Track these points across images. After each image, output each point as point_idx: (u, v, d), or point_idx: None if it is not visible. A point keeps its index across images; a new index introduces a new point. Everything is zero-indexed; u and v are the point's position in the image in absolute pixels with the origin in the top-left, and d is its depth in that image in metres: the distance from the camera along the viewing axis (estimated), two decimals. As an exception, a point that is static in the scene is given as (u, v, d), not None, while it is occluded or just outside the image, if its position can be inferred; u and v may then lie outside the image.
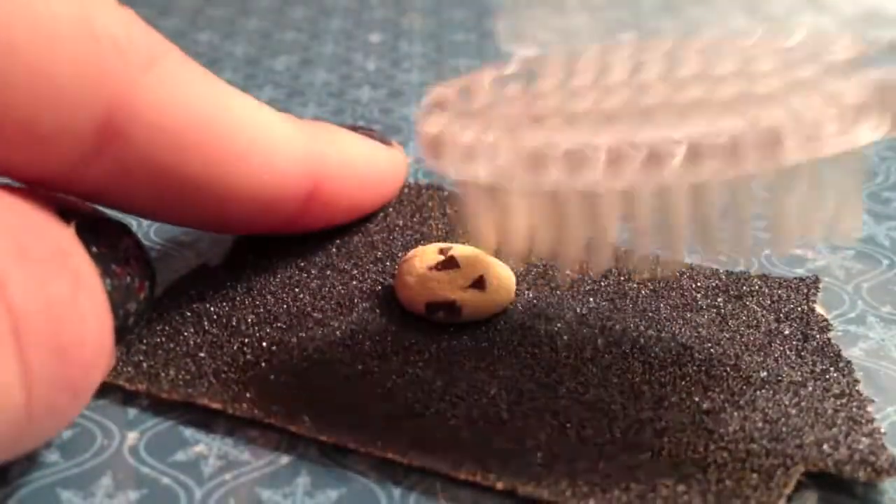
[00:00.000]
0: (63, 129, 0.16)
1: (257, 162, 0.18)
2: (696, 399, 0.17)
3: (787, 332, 0.19)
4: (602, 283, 0.20)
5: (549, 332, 0.19)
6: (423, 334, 0.19)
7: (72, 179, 0.17)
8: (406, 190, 0.24)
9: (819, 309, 0.20)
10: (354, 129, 0.22)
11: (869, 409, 0.17)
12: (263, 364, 0.18)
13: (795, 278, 0.21)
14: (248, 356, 0.18)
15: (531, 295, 0.20)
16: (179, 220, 0.20)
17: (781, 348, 0.18)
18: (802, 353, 0.18)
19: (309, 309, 0.19)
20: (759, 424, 0.16)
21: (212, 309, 0.19)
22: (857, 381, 0.17)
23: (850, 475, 0.15)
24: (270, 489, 0.15)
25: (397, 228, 0.22)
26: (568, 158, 0.14)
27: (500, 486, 0.15)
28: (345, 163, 0.21)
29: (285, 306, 0.19)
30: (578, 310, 0.19)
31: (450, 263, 0.19)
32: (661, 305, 0.20)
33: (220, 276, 0.21)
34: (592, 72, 0.16)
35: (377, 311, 0.19)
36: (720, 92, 0.15)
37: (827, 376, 0.17)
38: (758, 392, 0.17)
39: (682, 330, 0.19)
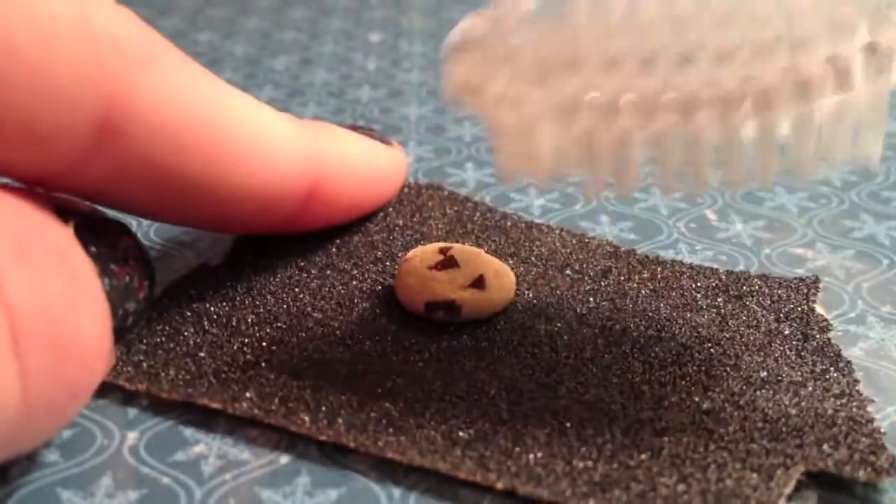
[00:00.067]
0: (62, 129, 0.16)
1: (257, 161, 0.18)
2: (696, 399, 0.17)
3: (787, 332, 0.19)
4: (602, 284, 0.20)
5: (549, 331, 0.19)
6: (423, 334, 0.19)
7: (71, 178, 0.17)
8: (406, 190, 0.24)
9: (819, 309, 0.20)
10: (354, 128, 0.22)
11: (869, 409, 0.17)
12: (263, 364, 0.18)
13: (795, 278, 0.21)
14: (248, 356, 0.18)
15: (531, 295, 0.20)
16: (179, 220, 0.20)
17: (781, 348, 0.18)
18: (802, 353, 0.18)
19: (309, 309, 0.19)
20: (759, 424, 0.16)
21: (212, 309, 0.19)
22: (857, 381, 0.17)
23: (850, 475, 0.15)
24: (270, 489, 0.15)
25: (397, 228, 0.22)
26: (603, 107, 0.14)
27: (500, 486, 0.15)
28: (345, 162, 0.21)
29: (285, 306, 0.19)
30: (578, 310, 0.19)
31: (449, 263, 0.19)
32: (661, 305, 0.20)
33: (220, 275, 0.21)
34: (624, 7, 0.16)
35: (377, 310, 0.19)
36: (758, 33, 0.15)
37: (827, 376, 0.17)
38: (758, 392, 0.17)
39: (682, 330, 0.19)
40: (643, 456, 0.16)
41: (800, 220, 0.24)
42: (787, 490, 0.15)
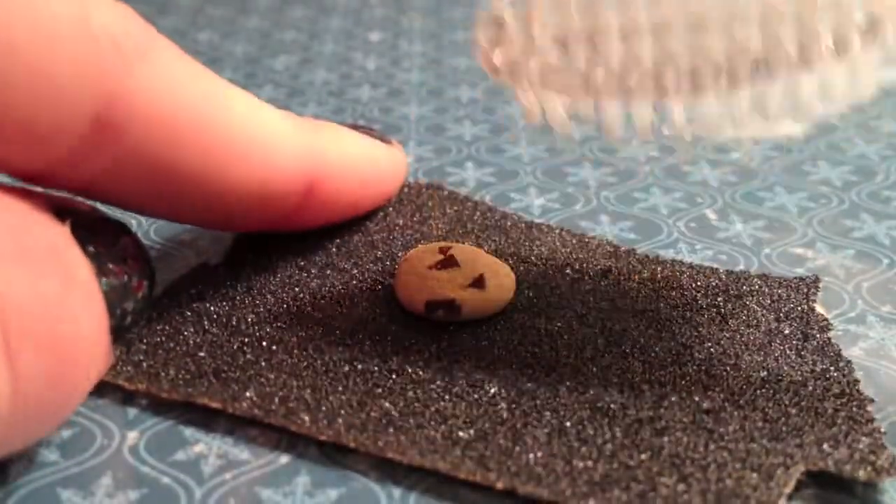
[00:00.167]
0: (61, 127, 0.16)
1: (255, 158, 0.18)
2: (697, 398, 0.17)
3: (787, 332, 0.19)
4: (602, 283, 0.20)
5: (549, 331, 0.19)
6: (423, 333, 0.19)
7: (70, 175, 0.17)
8: (406, 189, 0.24)
9: (819, 308, 0.20)
10: (354, 127, 0.22)
11: (869, 408, 0.17)
12: (263, 363, 0.18)
13: (795, 278, 0.21)
14: (248, 355, 0.18)
15: (531, 294, 0.20)
16: (178, 217, 0.20)
17: (781, 348, 0.18)
18: (802, 353, 0.18)
19: (309, 308, 0.19)
20: (759, 424, 0.16)
21: (212, 308, 0.19)
22: (857, 380, 0.17)
23: (851, 475, 0.15)
24: (270, 488, 0.15)
25: (397, 228, 0.22)
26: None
27: (499, 485, 0.15)
28: (344, 160, 0.21)
29: (285, 306, 0.19)
30: (578, 309, 0.19)
31: (449, 262, 0.19)
32: (661, 305, 0.20)
33: (220, 275, 0.20)
34: None
35: (377, 310, 0.19)
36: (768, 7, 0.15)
37: (827, 376, 0.17)
38: (758, 391, 0.17)
39: (682, 329, 0.19)
40: (643, 456, 0.16)
41: (800, 219, 0.24)
42: (787, 490, 0.15)
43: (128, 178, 0.17)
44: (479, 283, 0.19)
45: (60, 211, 0.15)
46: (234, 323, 0.19)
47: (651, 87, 0.15)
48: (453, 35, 0.39)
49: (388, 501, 0.15)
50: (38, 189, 0.16)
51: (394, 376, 0.17)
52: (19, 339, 0.13)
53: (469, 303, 0.19)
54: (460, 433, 0.16)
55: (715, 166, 0.27)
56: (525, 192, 0.26)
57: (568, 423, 0.16)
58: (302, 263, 0.21)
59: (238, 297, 0.20)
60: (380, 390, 0.17)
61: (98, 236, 0.16)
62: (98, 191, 0.17)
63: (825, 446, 0.16)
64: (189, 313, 0.19)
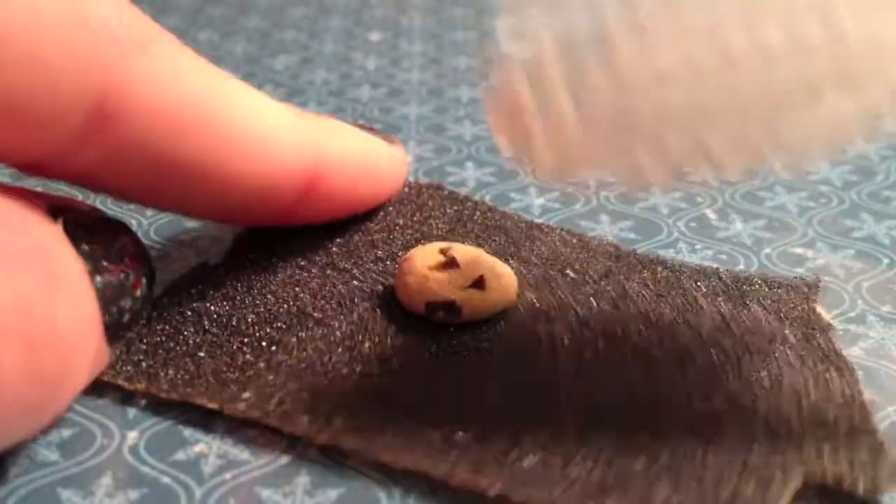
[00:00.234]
0: (56, 116, 0.16)
1: (256, 151, 0.18)
2: (696, 404, 0.17)
3: (788, 334, 0.19)
4: (603, 284, 0.20)
5: (550, 333, 0.19)
6: (423, 334, 0.19)
7: (67, 164, 0.17)
8: (407, 189, 0.24)
9: (820, 309, 0.20)
10: (355, 126, 0.22)
11: (871, 417, 0.16)
12: (262, 364, 0.18)
13: (796, 278, 0.21)
14: (248, 356, 0.18)
15: (532, 296, 0.20)
16: (177, 208, 0.20)
17: (783, 351, 0.18)
18: (804, 356, 0.18)
19: (309, 308, 0.19)
20: (759, 431, 0.16)
21: (212, 308, 0.19)
22: (860, 388, 0.17)
23: (850, 488, 0.15)
24: (270, 488, 0.15)
25: (398, 228, 0.22)
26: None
27: (492, 492, 0.15)
28: (345, 155, 0.20)
29: (286, 306, 0.19)
30: (579, 311, 0.19)
31: (450, 263, 0.19)
32: (663, 307, 0.19)
33: (221, 274, 0.20)
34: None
35: (377, 311, 0.19)
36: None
37: (829, 381, 0.17)
38: (758, 397, 0.17)
39: (684, 332, 0.19)
40: (640, 462, 0.15)
41: (800, 219, 0.24)
42: (784, 502, 0.15)
43: (127, 169, 0.17)
44: (479, 284, 0.19)
45: (56, 210, 0.15)
46: (234, 323, 0.19)
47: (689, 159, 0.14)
48: (453, 35, 0.39)
49: (388, 501, 0.15)
50: (38, 188, 0.16)
51: (392, 378, 0.17)
52: (4, 338, 0.13)
53: (469, 304, 0.19)
54: (455, 436, 0.16)
55: (715, 166, 0.27)
56: (525, 191, 0.26)
57: (565, 428, 0.16)
58: (303, 263, 0.21)
59: (238, 297, 0.20)
60: (378, 392, 0.17)
61: (94, 235, 0.16)
62: (98, 181, 0.17)
63: (825, 455, 0.15)
64: (189, 313, 0.19)
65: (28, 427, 0.15)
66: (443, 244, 0.20)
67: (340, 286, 0.20)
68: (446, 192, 0.24)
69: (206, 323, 0.19)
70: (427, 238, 0.22)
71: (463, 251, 0.19)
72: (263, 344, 0.18)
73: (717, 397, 0.17)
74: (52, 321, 0.14)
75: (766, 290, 0.20)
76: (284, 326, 0.19)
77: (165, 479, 0.15)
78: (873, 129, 0.15)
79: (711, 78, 0.14)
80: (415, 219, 0.23)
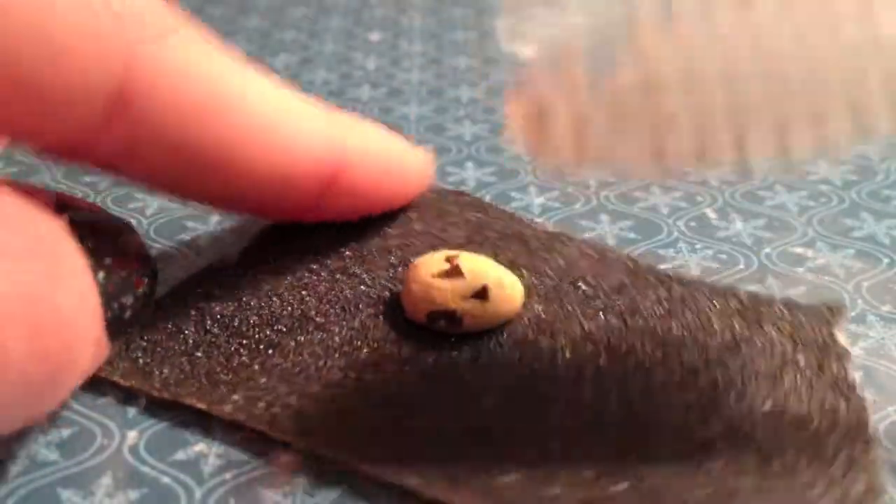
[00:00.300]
0: (77, 95, 0.16)
1: (275, 140, 0.18)
2: (692, 428, 0.16)
3: (801, 361, 0.18)
4: (615, 299, 0.20)
5: (552, 347, 0.18)
6: (423, 343, 0.18)
7: (90, 147, 0.17)
8: (429, 195, 0.23)
9: (840, 337, 0.19)
10: None
11: (872, 451, 0.16)
12: (257, 367, 0.18)
13: (820, 303, 0.20)
14: (244, 357, 0.18)
15: (540, 308, 0.19)
16: (200, 198, 0.20)
17: (793, 378, 0.17)
18: (814, 385, 0.17)
19: (312, 313, 0.19)
20: (752, 460, 0.16)
21: (216, 309, 0.19)
22: (866, 420, 0.16)
23: None
24: (270, 488, 0.15)
25: (415, 234, 0.22)
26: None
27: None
28: (368, 151, 0.20)
29: (289, 308, 0.19)
30: (586, 326, 0.19)
31: (454, 272, 0.19)
32: (674, 325, 0.19)
33: (231, 275, 0.20)
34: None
35: (380, 317, 0.19)
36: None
37: (836, 413, 0.17)
38: (758, 424, 0.16)
39: (691, 352, 0.18)
40: (623, 485, 0.15)
41: (800, 218, 0.24)
42: None
43: (149, 155, 0.17)
44: (482, 294, 0.18)
45: (62, 207, 0.16)
46: (235, 324, 0.19)
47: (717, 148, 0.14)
48: (453, 35, 0.39)
49: (388, 501, 0.15)
50: (51, 190, 0.16)
51: (385, 387, 0.17)
52: (4, 322, 0.13)
53: (470, 315, 0.18)
54: (440, 448, 0.16)
55: (715, 166, 0.27)
56: (525, 191, 0.26)
57: (553, 446, 0.16)
58: (314, 266, 0.20)
59: (244, 299, 0.19)
60: (368, 400, 0.17)
61: (98, 233, 0.16)
62: (122, 167, 0.18)
63: (816, 490, 0.15)
64: (193, 312, 0.19)
65: (32, 411, 0.15)
66: (451, 252, 0.19)
67: (348, 291, 0.20)
68: (469, 199, 0.23)
69: (207, 323, 0.19)
70: (443, 245, 0.21)
71: (469, 260, 0.19)
72: (261, 346, 0.18)
73: (714, 421, 0.16)
74: (56, 309, 0.14)
75: (786, 313, 0.19)
76: (285, 329, 0.19)
77: (165, 479, 0.15)
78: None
79: (747, 77, 0.14)
80: (434, 225, 0.22)
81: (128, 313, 0.17)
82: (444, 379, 0.17)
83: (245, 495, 0.15)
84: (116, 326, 0.16)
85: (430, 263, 0.19)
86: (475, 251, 0.20)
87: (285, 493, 0.15)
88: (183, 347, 0.18)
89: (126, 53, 0.16)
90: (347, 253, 0.21)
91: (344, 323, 0.19)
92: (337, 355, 0.18)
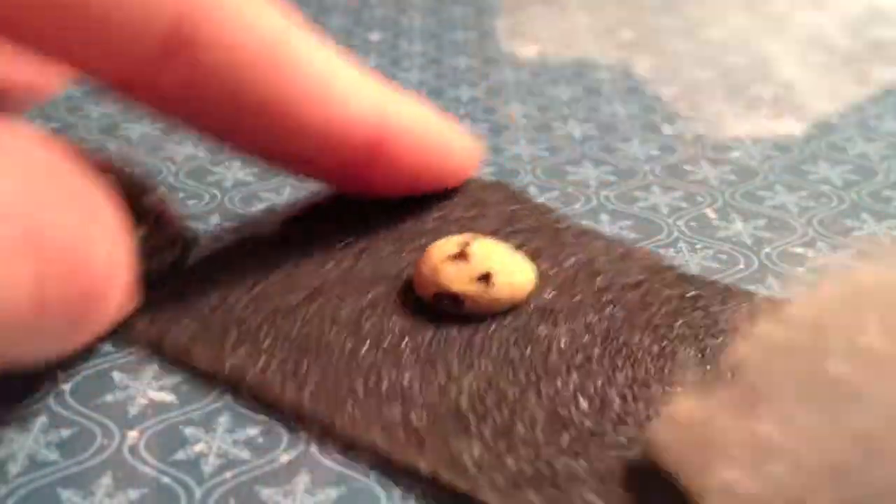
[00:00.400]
0: (135, 31, 0.17)
1: (325, 97, 0.19)
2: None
3: None
4: (627, 295, 0.20)
5: (550, 335, 0.19)
6: (426, 322, 0.19)
7: (145, 83, 0.18)
8: (474, 184, 0.24)
9: None
10: None
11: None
12: (264, 330, 0.18)
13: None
14: (254, 321, 0.19)
15: (550, 297, 0.20)
16: (245, 147, 0.20)
17: None
18: None
19: (329, 286, 0.20)
20: None
21: (242, 274, 0.20)
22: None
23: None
24: (270, 488, 0.15)
25: (450, 220, 0.22)
26: None
27: (424, 467, 0.15)
28: (414, 124, 0.21)
29: (309, 279, 0.20)
30: (590, 318, 0.19)
31: (461, 256, 0.19)
32: (678, 323, 0.19)
33: (263, 245, 0.21)
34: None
35: (393, 295, 0.20)
36: None
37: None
38: None
39: (688, 351, 0.18)
40: (581, 465, 0.15)
41: (800, 219, 0.24)
42: None
43: (201, 99, 0.18)
44: (485, 279, 0.19)
45: (107, 168, 0.17)
46: (255, 290, 0.20)
47: None
48: (453, 34, 0.39)
49: (388, 501, 0.15)
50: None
51: (375, 355, 0.18)
52: (44, 253, 0.14)
53: (473, 298, 0.19)
54: (413, 417, 0.16)
55: (715, 165, 0.27)
56: (525, 190, 0.26)
57: (520, 425, 0.16)
58: (343, 243, 0.21)
59: (270, 267, 0.20)
60: (357, 369, 0.18)
61: (140, 195, 0.18)
62: (174, 108, 0.19)
63: None
64: (220, 277, 0.20)
65: (61, 341, 0.16)
66: (466, 237, 0.20)
67: (369, 268, 0.20)
68: (511, 191, 0.24)
69: (230, 287, 0.20)
70: (476, 233, 0.22)
71: (482, 246, 0.20)
72: (273, 312, 0.19)
73: None
74: (89, 258, 0.15)
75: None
76: (300, 298, 0.19)
77: (165, 479, 0.15)
78: None
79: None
80: (471, 213, 0.23)
81: (160, 272, 0.18)
82: (435, 354, 0.18)
83: (245, 495, 0.15)
84: (148, 283, 0.18)
85: (444, 247, 0.20)
86: (502, 240, 0.21)
87: (285, 492, 0.15)
88: (204, 309, 0.19)
89: None
90: (380, 233, 0.22)
91: (356, 297, 0.20)
92: (339, 326, 0.19)
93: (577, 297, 0.20)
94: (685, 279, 0.21)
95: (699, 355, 0.18)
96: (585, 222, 0.24)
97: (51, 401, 0.17)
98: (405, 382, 0.17)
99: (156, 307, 0.19)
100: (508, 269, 0.19)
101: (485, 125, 0.30)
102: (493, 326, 0.19)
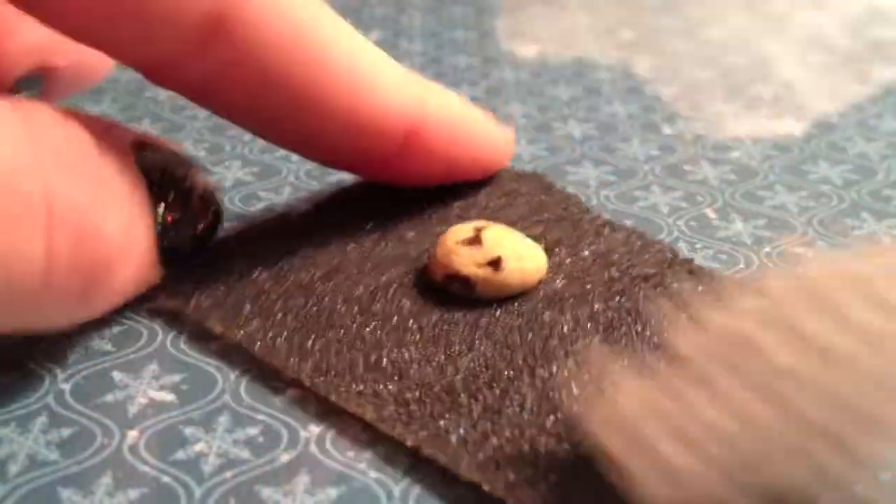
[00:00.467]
0: (173, 16, 0.17)
1: (359, 87, 0.19)
2: None
3: None
4: (638, 287, 0.20)
5: (554, 321, 0.19)
6: (435, 304, 0.19)
7: (181, 69, 0.18)
8: (506, 174, 0.24)
9: None
10: None
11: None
12: (279, 304, 0.19)
13: None
14: (272, 294, 0.19)
15: (561, 285, 0.20)
16: (278, 137, 0.21)
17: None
18: None
19: (348, 264, 0.20)
20: None
21: (268, 251, 0.21)
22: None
23: None
24: (270, 487, 0.15)
25: (478, 208, 0.23)
26: None
27: (409, 443, 0.16)
28: (447, 115, 0.21)
29: (330, 258, 0.20)
30: (596, 307, 0.19)
31: (474, 240, 0.20)
32: (682, 317, 0.19)
33: (293, 225, 0.22)
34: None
35: (408, 277, 0.20)
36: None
37: None
38: None
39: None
40: (562, 448, 0.16)
41: (800, 218, 0.24)
42: None
43: (237, 84, 0.18)
44: (495, 264, 0.19)
45: (142, 145, 0.18)
46: (277, 266, 0.20)
47: None
48: (453, 34, 0.39)
49: (388, 501, 0.15)
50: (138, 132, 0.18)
51: (381, 335, 0.18)
52: (57, 225, 0.15)
53: (482, 282, 0.19)
54: (407, 393, 0.17)
55: (715, 165, 0.27)
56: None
57: (508, 405, 0.16)
58: (370, 225, 0.22)
59: (296, 245, 0.21)
60: (361, 345, 0.18)
61: (168, 170, 0.18)
62: (210, 95, 0.19)
63: None
64: (248, 252, 0.21)
65: (68, 311, 0.16)
66: (482, 223, 0.20)
67: (390, 250, 0.21)
68: (541, 182, 0.24)
69: (255, 262, 0.20)
70: (501, 221, 0.22)
71: (496, 232, 0.20)
72: (291, 287, 0.20)
73: None
74: (100, 227, 0.16)
75: None
76: (319, 275, 0.20)
77: (165, 479, 0.15)
78: None
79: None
80: (499, 202, 0.23)
81: (186, 246, 0.19)
82: (438, 335, 0.18)
83: (245, 495, 0.15)
84: (172, 255, 0.18)
85: (459, 231, 0.20)
86: (526, 229, 0.21)
87: (285, 492, 0.15)
88: (226, 282, 0.20)
89: None
90: (405, 218, 0.22)
91: (371, 277, 0.20)
92: (352, 304, 0.19)
93: (588, 286, 0.20)
94: (698, 273, 0.21)
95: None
96: (585, 222, 0.24)
97: (51, 401, 0.17)
98: (405, 360, 0.18)
99: (180, 279, 0.19)
100: (519, 256, 0.20)
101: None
102: (500, 311, 0.19)
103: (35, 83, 0.21)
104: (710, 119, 0.30)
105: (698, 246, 0.23)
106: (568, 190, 0.25)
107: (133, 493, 0.15)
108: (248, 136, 0.28)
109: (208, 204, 0.19)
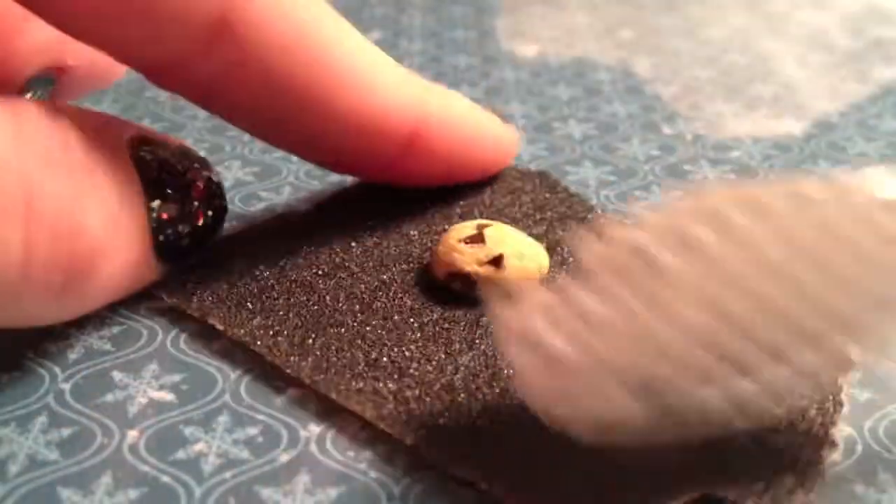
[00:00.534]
0: (179, 18, 0.17)
1: (362, 90, 0.19)
2: None
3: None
4: None
5: None
6: (435, 301, 0.19)
7: (186, 71, 0.18)
8: (511, 173, 0.24)
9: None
10: None
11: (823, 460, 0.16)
12: (281, 301, 0.19)
13: None
14: (274, 292, 0.19)
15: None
16: (281, 140, 0.21)
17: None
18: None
19: (351, 263, 0.20)
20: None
21: (270, 248, 0.21)
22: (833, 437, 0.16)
23: None
24: (270, 487, 0.15)
25: (482, 206, 0.23)
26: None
27: (409, 441, 0.16)
28: (450, 115, 0.21)
29: (332, 256, 0.21)
30: None
31: (476, 238, 0.20)
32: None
33: (296, 222, 0.22)
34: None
35: (409, 275, 0.20)
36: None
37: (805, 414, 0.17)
38: None
39: None
40: (554, 448, 0.15)
41: (800, 218, 0.24)
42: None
43: (242, 86, 0.18)
44: (496, 262, 0.19)
45: (142, 140, 0.18)
46: (280, 263, 0.20)
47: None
48: (453, 33, 0.39)
49: (388, 501, 0.15)
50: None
51: (381, 333, 0.18)
52: (36, 220, 0.15)
53: (483, 279, 0.19)
54: (407, 391, 0.17)
55: (715, 165, 0.27)
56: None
57: (507, 404, 0.17)
58: (370, 225, 0.22)
59: (298, 243, 0.21)
60: (362, 343, 0.18)
61: (166, 166, 0.18)
62: (214, 97, 0.19)
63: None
64: (250, 249, 0.21)
65: (46, 309, 0.16)
66: (484, 221, 0.21)
67: (393, 248, 0.21)
68: (548, 181, 0.24)
69: (257, 262, 0.20)
70: (505, 219, 0.22)
71: (498, 230, 0.20)
72: (293, 285, 0.20)
73: None
74: (80, 222, 0.15)
75: None
76: (321, 273, 0.20)
77: (165, 478, 0.15)
78: None
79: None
80: (504, 200, 0.23)
81: (184, 241, 0.18)
82: (438, 333, 0.18)
83: (245, 495, 0.15)
84: (170, 251, 0.18)
85: (462, 229, 0.20)
86: (529, 227, 0.21)
87: (285, 492, 0.15)
88: (229, 278, 0.20)
89: None
90: (408, 216, 0.22)
91: (373, 275, 0.20)
92: (354, 301, 0.19)
93: None
94: None
95: None
96: (585, 222, 0.24)
97: (51, 400, 0.17)
98: (405, 358, 0.18)
99: (181, 277, 0.19)
100: (520, 254, 0.20)
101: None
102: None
103: (47, 83, 0.21)
104: (710, 119, 0.30)
105: (698, 246, 0.23)
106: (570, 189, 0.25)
107: (133, 493, 0.15)
108: (248, 137, 0.28)
109: (210, 199, 0.19)
